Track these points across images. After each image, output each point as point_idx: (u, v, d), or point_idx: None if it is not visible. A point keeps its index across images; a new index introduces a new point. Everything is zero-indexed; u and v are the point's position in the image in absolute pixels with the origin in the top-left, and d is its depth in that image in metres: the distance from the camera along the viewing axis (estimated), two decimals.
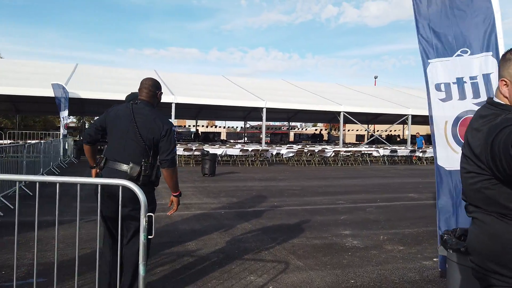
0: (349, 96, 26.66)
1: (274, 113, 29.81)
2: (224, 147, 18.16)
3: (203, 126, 43.74)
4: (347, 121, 23.36)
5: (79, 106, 28.96)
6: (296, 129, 57.88)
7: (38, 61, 28.82)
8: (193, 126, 37.19)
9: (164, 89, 21.03)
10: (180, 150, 15.63)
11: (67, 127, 17.13)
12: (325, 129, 56.60)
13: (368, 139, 39.15)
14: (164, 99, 19.16)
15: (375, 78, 43.42)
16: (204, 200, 7.82)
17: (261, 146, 20.29)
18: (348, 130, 45.67)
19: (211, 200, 7.82)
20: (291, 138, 40.09)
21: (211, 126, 48.04)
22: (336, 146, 21.66)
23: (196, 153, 15.70)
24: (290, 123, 41.45)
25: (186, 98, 19.69)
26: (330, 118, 37.06)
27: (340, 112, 21.88)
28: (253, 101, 21.00)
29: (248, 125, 36.91)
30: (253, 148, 16.92)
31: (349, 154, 18.69)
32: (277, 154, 18.47)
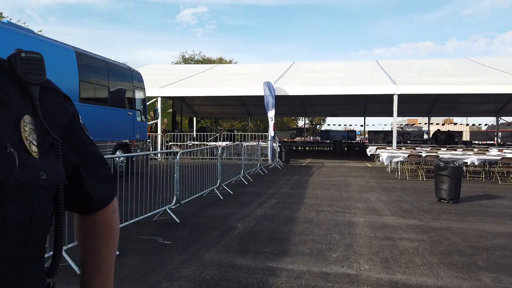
0: None
1: None
2: (472, 152, 12.57)
3: (438, 124, 36.44)
4: None
5: (300, 106, 28.31)
6: None
7: (258, 64, 29.68)
8: (425, 124, 30.97)
9: (384, 78, 17.06)
10: (402, 157, 11.38)
11: (275, 128, 15.64)
12: None
13: None
14: (384, 90, 15.20)
15: None
16: (445, 281, 3.69)
17: None
18: None
19: (462, 283, 3.63)
20: None
21: (448, 124, 39.83)
22: None
23: (427, 161, 11.05)
24: None
25: (412, 88, 15.11)
26: None
27: None
28: None
29: (500, 121, 27.75)
30: None
31: None
32: None
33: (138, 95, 11.36)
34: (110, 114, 9.75)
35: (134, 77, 11.23)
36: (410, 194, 8.55)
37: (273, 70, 21.14)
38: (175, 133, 18.78)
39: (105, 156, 6.44)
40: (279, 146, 15.77)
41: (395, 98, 14.71)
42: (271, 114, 15.73)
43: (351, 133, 28.67)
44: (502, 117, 26.93)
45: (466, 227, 5.71)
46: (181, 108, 26.05)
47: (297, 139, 30.38)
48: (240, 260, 4.04)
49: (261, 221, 5.81)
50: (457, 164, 9.80)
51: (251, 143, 14.32)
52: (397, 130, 32.70)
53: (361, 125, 29.15)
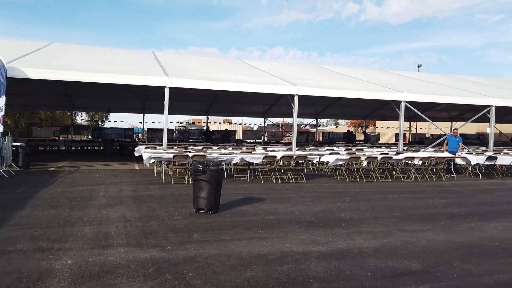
0: (403, 82, 20.36)
1: (299, 107, 23.84)
2: (239, 151, 12.25)
3: (215, 123, 38.02)
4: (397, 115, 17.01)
5: (66, 98, 23.57)
6: (320, 127, 51.74)
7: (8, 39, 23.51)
8: (203, 123, 31.50)
9: (157, 70, 15.31)
10: (167, 157, 9.79)
11: (3, 121, 11.53)
12: (352, 127, 50.88)
13: (410, 139, 32.54)
14: (156, 82, 13.11)
15: (419, 67, 36.77)
16: None
17: (290, 149, 14.31)
18: (382, 128, 39.30)
19: None
20: (319, 138, 33.83)
21: (225, 123, 42.37)
22: (393, 149, 15.45)
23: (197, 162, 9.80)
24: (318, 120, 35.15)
25: (186, 82, 13.86)
26: (367, 113, 30.82)
27: (400, 101, 15.75)
28: (281, 87, 15.05)
29: (267, 122, 30.87)
30: (284, 155, 10.90)
31: (423, 162, 12.48)
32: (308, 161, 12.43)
33: None
34: None
35: None
36: (167, 205, 6.89)
37: (23, 48, 16.38)
38: None
39: None
40: (14, 146, 11.78)
41: (166, 92, 13.19)
42: (1, 102, 11.58)
43: (129, 131, 26.03)
44: (268, 118, 29.89)
45: (218, 252, 4.31)
46: None
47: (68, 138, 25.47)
48: None
49: None
50: (222, 166, 8.88)
51: None
52: (179, 128, 31.90)
53: (140, 122, 26.92)
